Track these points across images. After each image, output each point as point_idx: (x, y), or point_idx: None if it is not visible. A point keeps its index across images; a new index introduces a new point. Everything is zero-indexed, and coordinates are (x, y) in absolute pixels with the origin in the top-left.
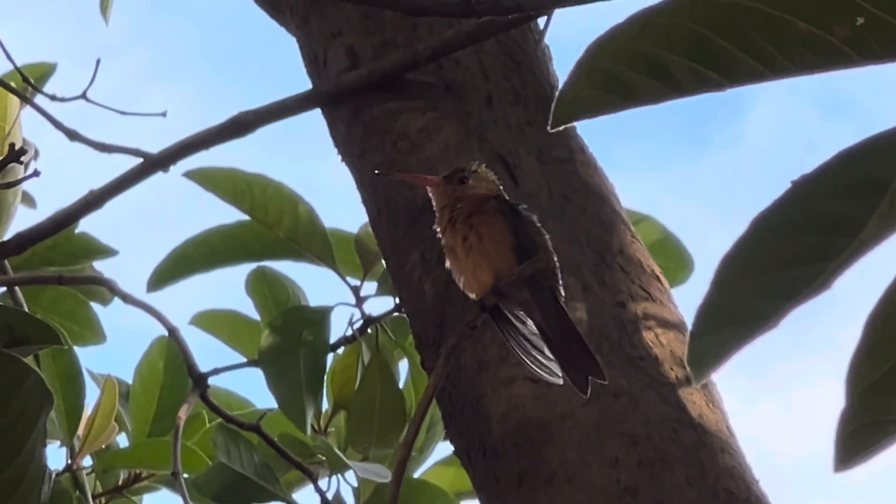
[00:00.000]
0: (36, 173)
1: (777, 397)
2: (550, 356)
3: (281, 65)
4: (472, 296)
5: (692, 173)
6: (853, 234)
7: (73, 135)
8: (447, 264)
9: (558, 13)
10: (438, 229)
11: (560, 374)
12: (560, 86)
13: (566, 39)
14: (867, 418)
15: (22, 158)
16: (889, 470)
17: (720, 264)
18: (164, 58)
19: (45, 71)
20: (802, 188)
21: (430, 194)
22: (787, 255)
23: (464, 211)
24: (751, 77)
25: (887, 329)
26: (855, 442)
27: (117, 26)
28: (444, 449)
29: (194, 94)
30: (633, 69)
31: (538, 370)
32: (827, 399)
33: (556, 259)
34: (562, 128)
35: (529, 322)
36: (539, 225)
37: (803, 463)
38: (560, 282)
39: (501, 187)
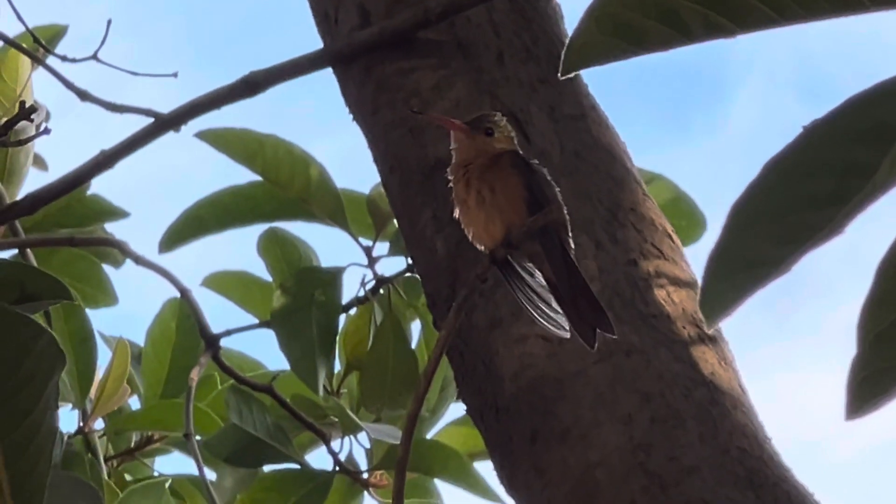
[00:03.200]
0: (46, 131)
1: (759, 382)
2: (558, 309)
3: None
4: (483, 248)
5: (674, 159)
6: (866, 179)
7: (84, 95)
8: (456, 214)
9: None
10: (451, 178)
11: (567, 328)
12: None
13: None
14: (879, 364)
15: (32, 117)
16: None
17: (731, 210)
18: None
19: (57, 32)
20: (814, 133)
21: (453, 140)
22: (798, 199)
23: (479, 165)
24: (762, 23)
25: None
26: (867, 389)
27: None
28: (456, 410)
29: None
30: (644, 15)
31: (545, 323)
32: (809, 384)
33: (566, 212)
34: (573, 78)
35: (538, 275)
36: (550, 179)
37: (784, 447)
38: (570, 235)
39: (516, 141)
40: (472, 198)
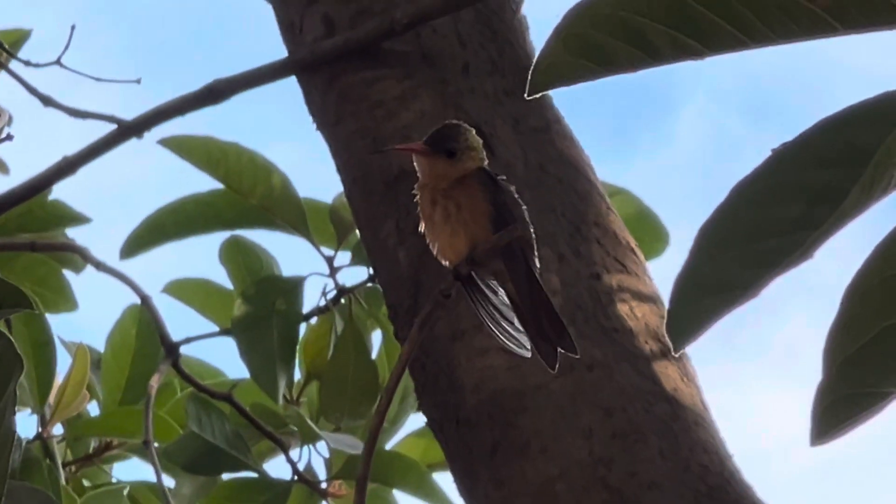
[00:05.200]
0: (9, 137)
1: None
2: (521, 328)
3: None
4: (447, 264)
5: (620, 176)
6: (835, 204)
7: (47, 100)
8: (421, 228)
9: None
10: (417, 194)
11: (529, 347)
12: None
13: (541, 10)
14: (845, 391)
15: None
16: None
17: (699, 233)
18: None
19: (20, 37)
20: (783, 157)
21: (415, 162)
22: (767, 224)
23: (444, 182)
24: (730, 45)
25: (866, 302)
26: (832, 415)
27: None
28: (416, 420)
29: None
30: (611, 36)
31: (507, 341)
32: (755, 403)
33: (532, 230)
34: (538, 96)
35: (501, 292)
36: (517, 196)
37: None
38: (536, 253)
39: (484, 155)
40: (438, 213)
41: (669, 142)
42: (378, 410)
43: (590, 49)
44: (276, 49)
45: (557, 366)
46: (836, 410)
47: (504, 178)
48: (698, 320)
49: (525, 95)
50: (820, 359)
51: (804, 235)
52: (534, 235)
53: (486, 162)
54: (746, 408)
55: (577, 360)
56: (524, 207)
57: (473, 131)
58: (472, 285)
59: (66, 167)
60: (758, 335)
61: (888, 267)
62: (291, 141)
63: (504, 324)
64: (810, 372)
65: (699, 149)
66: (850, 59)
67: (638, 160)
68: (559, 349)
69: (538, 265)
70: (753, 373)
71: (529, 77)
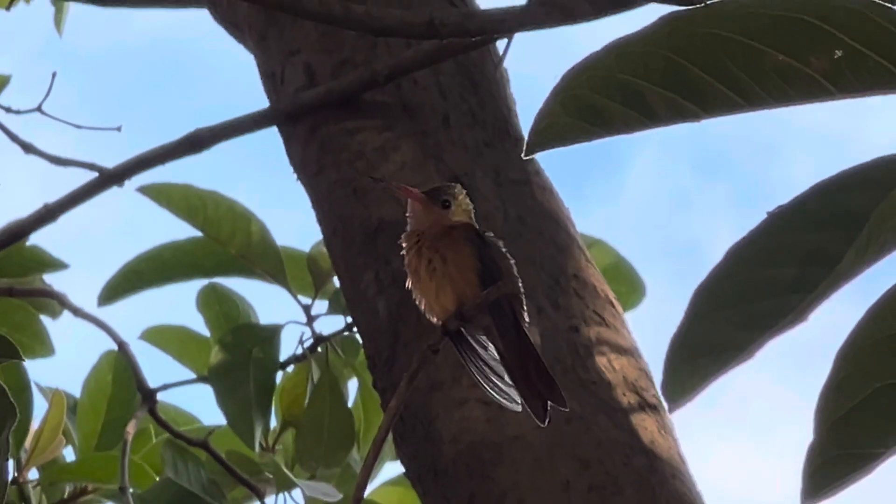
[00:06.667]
0: None
1: None
2: (510, 382)
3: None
4: (434, 319)
5: None
6: (829, 267)
7: (28, 147)
8: (408, 285)
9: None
10: (405, 246)
11: (519, 401)
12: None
13: (522, 64)
14: (836, 451)
15: None
16: None
17: (695, 294)
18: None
19: (0, 83)
20: (778, 219)
21: (409, 209)
22: (762, 285)
23: (432, 235)
24: (727, 108)
25: (858, 363)
26: (823, 475)
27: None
28: (391, 469)
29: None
30: (609, 97)
31: (497, 396)
32: (718, 450)
33: (520, 285)
34: (517, 143)
35: (491, 347)
36: (505, 251)
37: None
38: (524, 308)
39: (474, 214)
40: (424, 267)
41: (619, 194)
42: (366, 464)
43: (587, 110)
44: (258, 98)
45: (548, 420)
46: (827, 470)
47: (492, 234)
48: (693, 381)
49: (522, 156)
50: (769, 412)
51: (799, 298)
52: (522, 290)
53: (473, 216)
54: (712, 455)
55: (555, 411)
56: (512, 261)
57: (464, 192)
58: (461, 340)
59: (47, 214)
60: (723, 385)
61: (880, 329)
62: (269, 187)
63: (495, 378)
64: (760, 424)
65: (649, 201)
66: (799, 118)
67: (588, 212)
68: (549, 403)
69: (527, 319)
70: (702, 424)
71: (527, 137)
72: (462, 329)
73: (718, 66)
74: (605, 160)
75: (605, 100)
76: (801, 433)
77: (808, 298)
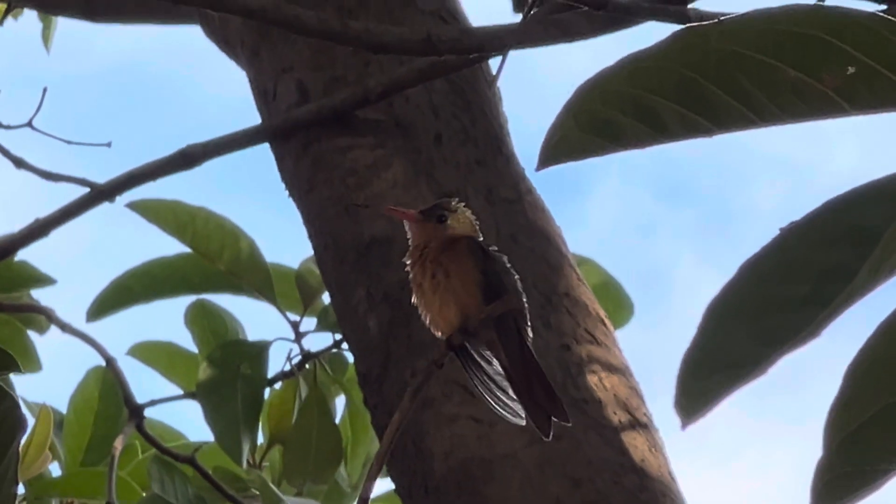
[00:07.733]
0: None
1: None
2: (514, 396)
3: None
4: (438, 334)
5: None
6: (844, 283)
7: (19, 163)
8: (413, 300)
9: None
10: (408, 262)
11: (523, 415)
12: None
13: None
14: (844, 468)
15: None
16: None
17: (707, 310)
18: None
19: None
20: (791, 235)
21: (407, 229)
22: (776, 301)
23: (434, 249)
24: (740, 124)
25: (868, 380)
26: (832, 492)
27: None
28: (381, 485)
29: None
30: (622, 112)
31: (501, 410)
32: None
33: (525, 300)
34: (509, 162)
35: (495, 361)
36: (509, 265)
37: None
38: (528, 323)
39: (478, 227)
40: (428, 281)
41: (582, 220)
42: (369, 476)
43: (600, 125)
44: (250, 115)
45: (552, 433)
46: (836, 486)
47: (496, 248)
48: (706, 397)
49: (535, 170)
50: (735, 437)
51: (813, 313)
52: (526, 304)
53: (477, 229)
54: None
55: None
56: (516, 277)
57: (464, 204)
58: (465, 355)
59: (38, 229)
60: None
61: (890, 346)
62: (259, 202)
63: (499, 393)
64: (724, 449)
65: (612, 228)
66: (763, 145)
67: None
68: (552, 418)
69: (531, 335)
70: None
71: (540, 151)
72: (466, 344)
73: (732, 82)
74: (568, 187)
75: (617, 114)
76: (760, 457)
77: (822, 314)
